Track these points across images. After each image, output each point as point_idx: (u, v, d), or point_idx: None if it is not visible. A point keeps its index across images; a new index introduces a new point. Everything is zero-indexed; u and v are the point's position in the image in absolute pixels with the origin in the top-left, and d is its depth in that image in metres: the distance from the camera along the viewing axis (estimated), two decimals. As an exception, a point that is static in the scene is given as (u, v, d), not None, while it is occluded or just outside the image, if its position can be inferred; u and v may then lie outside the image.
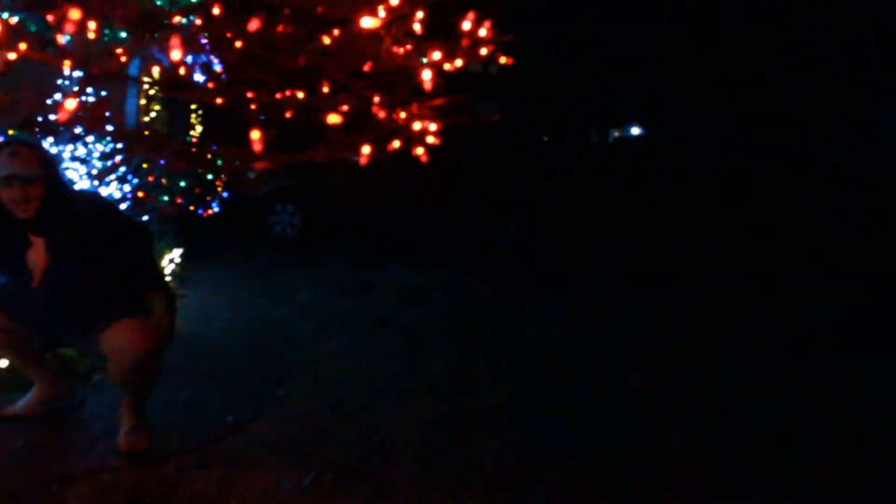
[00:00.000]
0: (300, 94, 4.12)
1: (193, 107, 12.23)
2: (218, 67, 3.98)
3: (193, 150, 7.49)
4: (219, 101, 4.03)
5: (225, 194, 8.26)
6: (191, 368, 3.99)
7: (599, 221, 9.50)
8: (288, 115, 3.99)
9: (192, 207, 7.39)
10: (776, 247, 9.14)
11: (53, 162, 3.00)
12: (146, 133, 7.42)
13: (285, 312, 5.68)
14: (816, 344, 5.25)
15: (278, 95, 4.01)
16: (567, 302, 6.48)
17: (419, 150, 4.39)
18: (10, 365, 3.41)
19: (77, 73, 5.12)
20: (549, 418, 3.74)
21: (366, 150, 4.20)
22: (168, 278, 5.30)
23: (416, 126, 4.38)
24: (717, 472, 3.17)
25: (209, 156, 7.73)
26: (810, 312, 6.21)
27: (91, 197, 3.28)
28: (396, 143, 4.40)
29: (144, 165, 6.75)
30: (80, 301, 2.92)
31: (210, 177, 7.60)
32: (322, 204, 9.07)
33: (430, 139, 4.41)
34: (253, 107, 3.83)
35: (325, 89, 4.15)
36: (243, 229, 9.06)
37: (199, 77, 4.10)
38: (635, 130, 19.69)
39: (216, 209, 7.90)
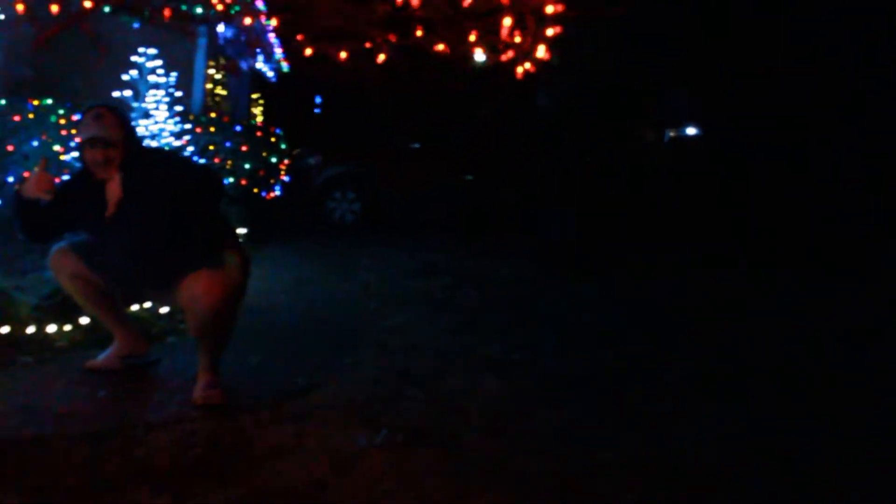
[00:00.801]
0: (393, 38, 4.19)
1: (255, 95, 12.45)
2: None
3: (258, 133, 7.63)
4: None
5: (287, 178, 8.39)
6: (260, 337, 4.04)
7: (653, 215, 9.44)
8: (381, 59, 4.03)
9: (255, 190, 7.51)
10: (829, 241, 8.92)
11: (133, 127, 3.10)
12: (212, 115, 7.57)
13: (349, 290, 5.72)
14: (877, 334, 5.09)
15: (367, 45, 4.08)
16: (621, 287, 6.46)
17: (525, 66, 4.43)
18: (90, 323, 3.50)
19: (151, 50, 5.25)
20: (612, 392, 3.69)
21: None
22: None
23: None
24: (782, 450, 3.08)
25: (272, 139, 7.87)
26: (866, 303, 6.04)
27: (167, 153, 3.35)
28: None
29: (210, 147, 6.88)
30: (160, 253, 2.99)
31: (273, 160, 7.72)
32: (381, 191, 9.14)
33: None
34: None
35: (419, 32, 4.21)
36: (303, 215, 9.18)
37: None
38: (691, 131, 19.45)
39: (278, 193, 8.02)
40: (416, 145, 9.44)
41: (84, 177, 3.08)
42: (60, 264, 3.16)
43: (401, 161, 9.42)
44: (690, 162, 12.60)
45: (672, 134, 19.24)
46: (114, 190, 2.92)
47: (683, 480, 2.72)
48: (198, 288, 2.90)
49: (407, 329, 4.70)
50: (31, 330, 3.39)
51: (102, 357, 3.28)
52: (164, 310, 4.00)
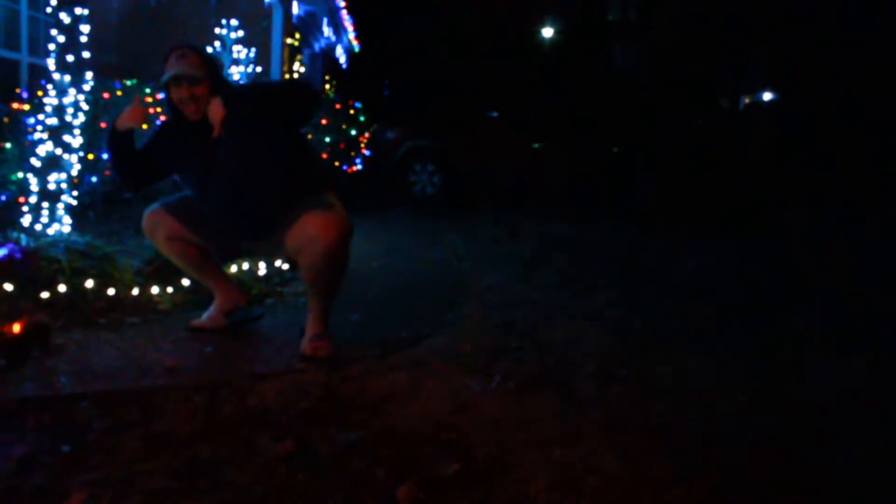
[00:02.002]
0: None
1: (327, 76, 12.45)
2: None
3: (337, 105, 7.58)
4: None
5: (367, 152, 8.34)
6: (358, 298, 3.96)
7: (734, 178, 9.13)
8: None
9: (336, 163, 7.48)
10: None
11: (217, 64, 3.00)
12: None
13: (439, 255, 5.62)
14: None
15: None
16: (712, 246, 6.17)
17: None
18: (191, 286, 3.48)
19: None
20: (722, 342, 3.49)
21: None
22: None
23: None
24: None
25: (351, 112, 7.82)
26: None
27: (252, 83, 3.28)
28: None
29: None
30: (264, 193, 2.91)
31: (353, 133, 7.67)
32: (462, 162, 9.01)
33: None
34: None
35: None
36: (384, 189, 9.13)
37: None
38: (767, 96, 18.81)
39: (360, 166, 7.97)
40: (494, 114, 9.26)
41: (173, 124, 3.01)
42: (154, 226, 3.10)
43: (480, 131, 9.26)
44: (768, 127, 12.12)
45: (747, 100, 18.57)
46: (216, 111, 2.79)
47: (820, 421, 2.52)
48: (313, 228, 2.81)
49: (503, 287, 4.58)
50: (135, 292, 3.38)
51: (206, 316, 3.24)
52: (261, 272, 3.96)
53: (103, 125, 4.87)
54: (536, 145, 9.05)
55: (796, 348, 3.38)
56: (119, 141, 2.99)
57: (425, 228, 6.98)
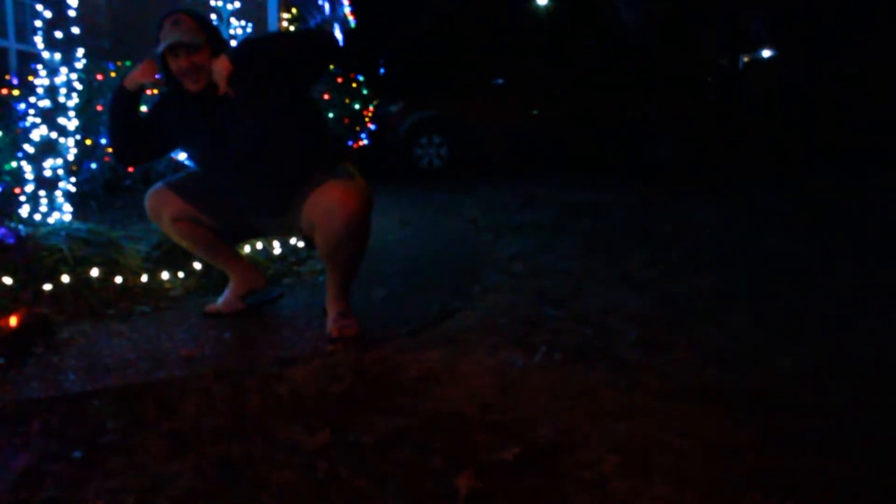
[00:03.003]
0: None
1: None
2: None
3: (338, 79, 7.32)
4: None
5: (373, 127, 8.08)
6: (379, 274, 3.75)
7: (740, 137, 8.91)
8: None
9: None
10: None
11: (216, 28, 2.72)
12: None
13: (457, 226, 5.41)
14: None
15: None
16: (734, 205, 5.97)
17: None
18: (203, 269, 3.26)
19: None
20: (763, 304, 3.28)
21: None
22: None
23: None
24: None
25: (354, 85, 7.55)
26: None
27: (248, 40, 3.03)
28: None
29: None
30: (278, 161, 2.67)
31: (357, 107, 7.41)
32: (469, 133, 8.77)
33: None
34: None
35: None
36: (390, 164, 8.89)
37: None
38: (766, 53, 18.46)
39: (366, 141, 7.72)
40: (500, 81, 8.99)
41: (173, 96, 2.74)
42: (159, 207, 2.85)
43: (485, 100, 9.01)
44: (768, 85, 11.84)
45: (746, 59, 18.19)
46: (221, 67, 2.54)
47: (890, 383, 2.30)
48: (330, 200, 2.57)
49: (528, 256, 4.38)
50: (144, 279, 3.16)
51: (222, 300, 3.02)
52: (276, 251, 3.73)
53: (99, 108, 4.63)
54: (544, 111, 8.81)
55: (843, 306, 3.18)
56: (125, 101, 2.71)
57: (436, 201, 6.77)
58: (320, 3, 9.84)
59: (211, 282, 3.23)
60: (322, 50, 2.69)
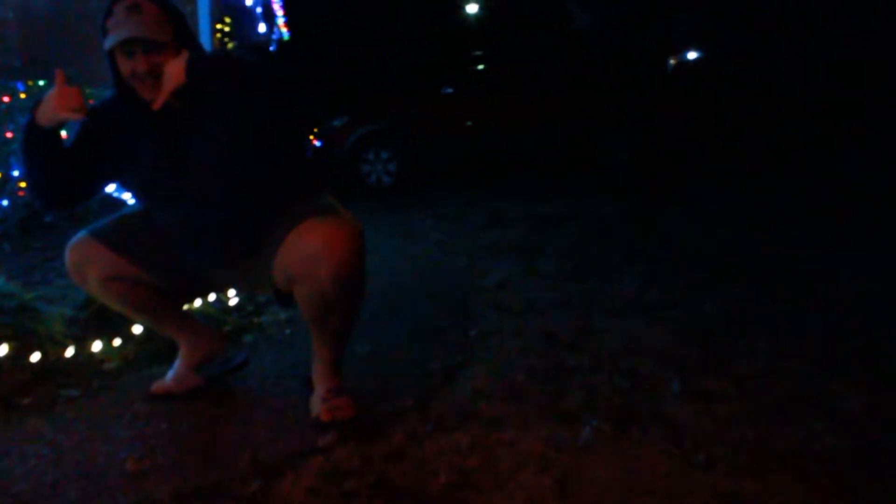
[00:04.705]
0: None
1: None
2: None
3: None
4: None
5: (318, 143, 7.50)
6: (354, 319, 3.16)
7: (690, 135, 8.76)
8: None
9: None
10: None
11: (185, 21, 2.06)
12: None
13: (425, 252, 4.86)
14: None
15: None
16: (706, 211, 5.61)
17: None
18: (146, 332, 2.63)
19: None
20: (796, 325, 2.97)
21: None
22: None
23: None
24: None
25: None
26: None
27: (232, 55, 2.40)
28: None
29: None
30: (243, 194, 2.06)
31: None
32: (418, 146, 8.24)
33: None
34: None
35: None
36: (335, 183, 8.28)
37: None
38: (692, 55, 18.62)
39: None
40: (449, 90, 8.48)
41: (120, 107, 2.07)
42: (82, 266, 2.19)
43: (434, 110, 8.50)
44: (699, 85, 11.74)
45: (673, 61, 18.25)
46: (172, 73, 1.92)
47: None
48: (314, 245, 1.97)
49: (513, 284, 3.89)
50: (69, 353, 2.50)
51: (172, 375, 2.39)
52: (231, 300, 3.12)
53: (9, 135, 3.94)
54: (497, 119, 8.36)
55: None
56: (41, 142, 2.02)
57: (394, 222, 6.20)
58: (256, 14, 9.20)
59: (156, 347, 2.61)
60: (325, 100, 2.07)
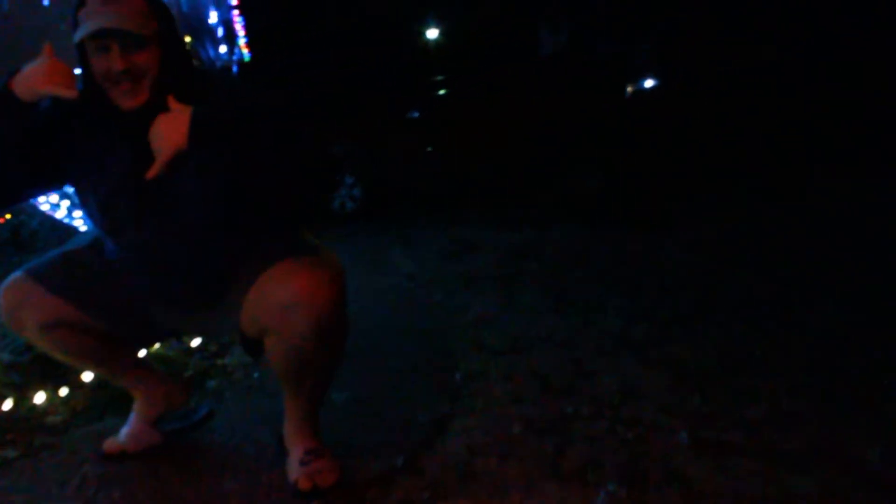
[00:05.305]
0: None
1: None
2: None
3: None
4: None
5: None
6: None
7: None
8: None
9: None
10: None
11: (172, 18, 1.75)
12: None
13: (396, 283, 4.63)
14: None
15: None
16: (676, 238, 5.49)
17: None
18: (96, 379, 2.34)
19: None
20: (787, 366, 2.81)
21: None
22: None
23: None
24: None
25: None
26: None
27: (217, 71, 2.12)
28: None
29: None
30: (223, 229, 1.78)
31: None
32: (383, 171, 8.04)
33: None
34: None
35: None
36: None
37: None
38: (648, 83, 18.95)
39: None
40: (415, 114, 8.31)
41: (84, 109, 1.75)
42: (19, 312, 1.89)
43: (400, 135, 8.32)
44: (656, 113, 11.84)
45: (630, 89, 18.47)
46: (170, 133, 1.60)
47: None
48: (290, 291, 1.69)
49: (493, 319, 3.67)
50: (7, 405, 2.20)
51: (126, 431, 2.11)
52: (193, 340, 2.84)
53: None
54: (464, 145, 8.21)
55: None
56: (14, 114, 1.66)
57: (361, 251, 5.97)
58: (217, 34, 8.93)
59: (109, 395, 2.32)
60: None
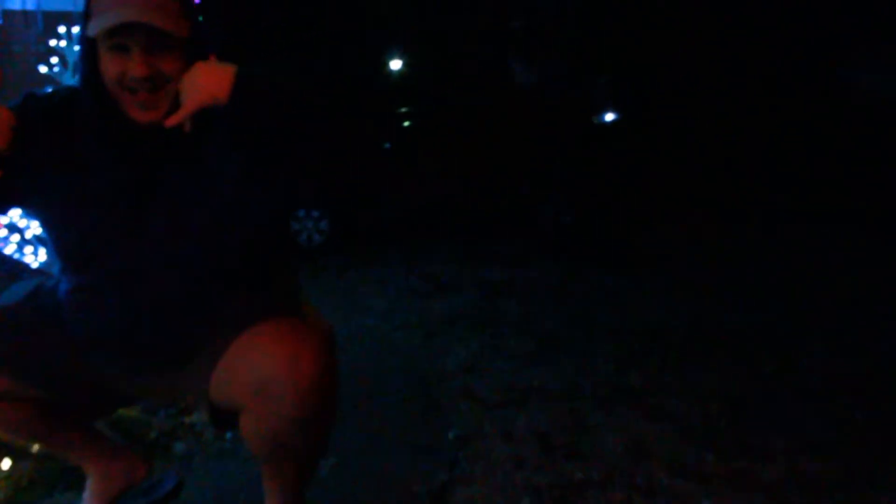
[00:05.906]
0: None
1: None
2: None
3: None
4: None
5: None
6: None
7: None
8: None
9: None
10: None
11: (207, 25, 1.48)
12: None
13: (370, 323, 4.39)
14: None
15: None
16: (654, 276, 5.42)
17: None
18: (44, 448, 2.04)
19: None
20: (789, 418, 2.76)
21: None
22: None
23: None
24: None
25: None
26: None
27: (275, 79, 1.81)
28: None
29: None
30: (216, 268, 1.49)
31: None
32: (351, 203, 7.83)
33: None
34: None
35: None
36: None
37: None
38: (609, 117, 19.27)
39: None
40: (387, 145, 8.12)
41: (78, 111, 1.44)
42: None
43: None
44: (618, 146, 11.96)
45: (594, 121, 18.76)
46: (209, 85, 1.34)
47: None
48: (270, 357, 1.38)
49: (481, 366, 3.49)
50: (-59, 481, 1.90)
51: (81, 512, 1.81)
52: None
53: None
54: (435, 178, 8.05)
55: None
56: None
57: (332, 287, 5.70)
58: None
59: (58, 467, 2.02)
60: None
